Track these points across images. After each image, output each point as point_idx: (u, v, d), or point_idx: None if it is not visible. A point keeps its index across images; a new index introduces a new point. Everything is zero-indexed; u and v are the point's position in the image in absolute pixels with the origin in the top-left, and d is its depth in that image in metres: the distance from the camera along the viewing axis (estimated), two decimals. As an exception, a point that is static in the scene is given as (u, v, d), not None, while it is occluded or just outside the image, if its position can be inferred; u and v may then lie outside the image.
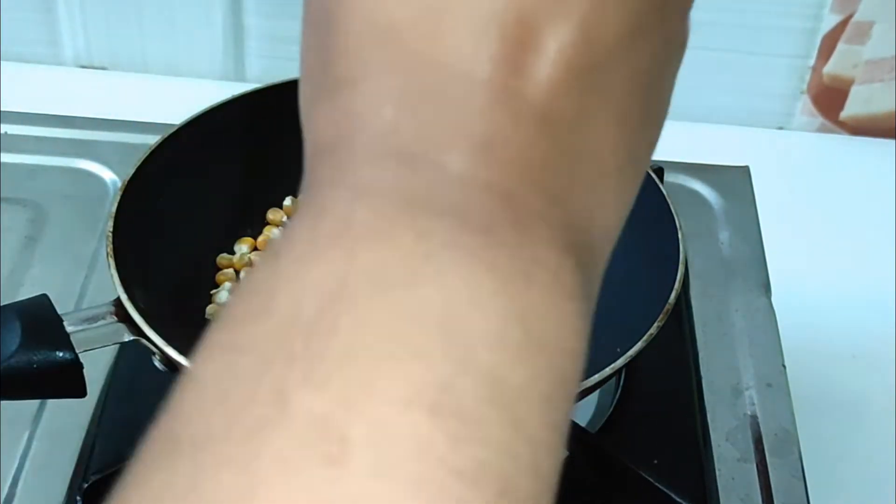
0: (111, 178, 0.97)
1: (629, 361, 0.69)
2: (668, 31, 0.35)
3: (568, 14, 0.31)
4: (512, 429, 0.27)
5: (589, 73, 0.32)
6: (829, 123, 1.12)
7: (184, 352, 0.65)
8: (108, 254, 0.71)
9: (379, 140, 0.31)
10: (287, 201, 0.85)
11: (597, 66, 0.32)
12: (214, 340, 0.29)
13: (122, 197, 0.75)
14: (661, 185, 0.81)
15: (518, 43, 0.31)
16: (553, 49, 0.31)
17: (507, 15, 0.31)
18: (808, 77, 1.09)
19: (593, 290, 0.33)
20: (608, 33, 0.32)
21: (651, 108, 0.35)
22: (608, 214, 0.34)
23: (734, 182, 1.01)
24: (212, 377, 0.28)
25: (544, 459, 0.28)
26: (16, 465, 0.76)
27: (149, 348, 0.67)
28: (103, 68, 1.13)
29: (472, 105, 0.31)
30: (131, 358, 0.80)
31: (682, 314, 0.88)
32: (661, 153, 1.03)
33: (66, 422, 0.78)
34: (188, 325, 0.75)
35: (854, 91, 1.09)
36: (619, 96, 0.33)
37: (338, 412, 0.25)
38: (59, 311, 0.67)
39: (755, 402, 0.83)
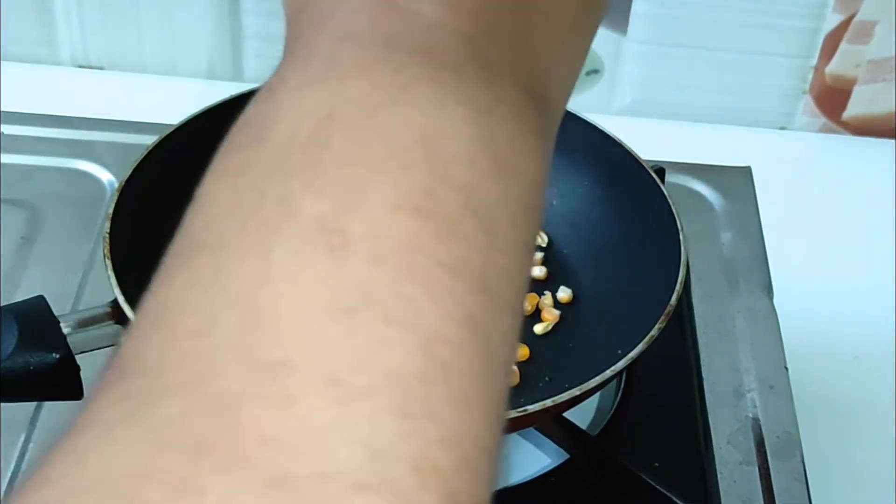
0: (108, 178, 0.97)
1: (630, 363, 0.69)
2: None
3: None
4: (487, 236, 0.31)
5: None
6: (831, 124, 1.12)
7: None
8: (104, 255, 0.71)
9: None
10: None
11: None
12: (219, 165, 0.32)
13: (120, 198, 0.75)
14: (662, 186, 0.81)
15: None
16: None
17: None
18: (810, 77, 1.09)
19: (550, 141, 0.36)
20: None
21: None
22: (560, 70, 0.37)
23: (736, 183, 1.01)
24: (220, 193, 0.31)
25: (516, 270, 0.31)
26: (12, 468, 0.76)
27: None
28: (100, 68, 1.13)
29: None
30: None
31: (683, 316, 0.88)
32: (662, 153, 1.03)
33: (63, 424, 0.78)
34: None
35: (856, 91, 1.09)
36: None
37: (337, 212, 0.29)
38: (56, 313, 0.67)
39: (757, 404, 0.83)
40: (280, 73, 0.33)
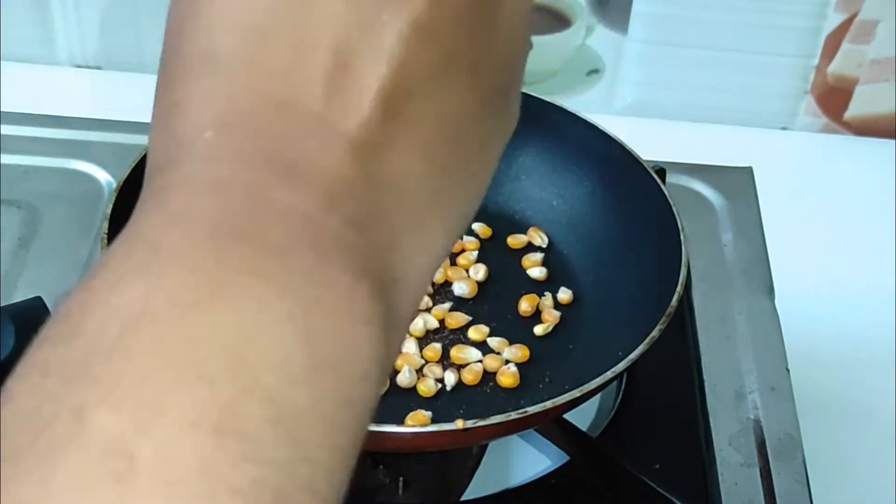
0: (106, 178, 0.96)
1: (631, 365, 0.68)
2: (487, 85, 0.38)
3: (381, 47, 0.34)
4: (290, 449, 0.29)
5: (397, 103, 0.34)
6: (833, 124, 1.12)
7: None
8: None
9: (198, 165, 0.33)
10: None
11: (405, 98, 0.34)
12: (30, 361, 0.30)
13: (118, 198, 0.75)
14: (663, 187, 0.81)
15: (331, 72, 0.33)
16: (364, 78, 0.34)
17: (322, 45, 0.33)
18: (811, 77, 1.09)
19: (399, 322, 0.35)
20: (419, 69, 0.34)
21: (464, 158, 0.37)
22: (414, 251, 0.36)
23: (737, 183, 1.01)
24: (21, 397, 0.29)
25: (323, 479, 0.30)
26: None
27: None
28: (98, 68, 1.12)
29: (281, 129, 0.33)
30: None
31: (684, 317, 0.88)
32: (663, 154, 1.03)
33: None
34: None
35: (858, 91, 1.09)
36: (427, 132, 0.35)
37: (129, 432, 0.27)
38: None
39: (758, 405, 0.83)
40: (107, 254, 0.32)
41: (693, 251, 0.80)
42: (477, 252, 0.87)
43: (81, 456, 0.27)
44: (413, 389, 0.77)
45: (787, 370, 0.85)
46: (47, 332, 0.31)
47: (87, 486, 0.27)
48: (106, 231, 0.72)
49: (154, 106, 0.36)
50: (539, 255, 0.87)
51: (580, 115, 0.86)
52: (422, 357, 0.78)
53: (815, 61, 1.08)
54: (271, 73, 0.33)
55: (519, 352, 0.79)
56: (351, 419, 0.31)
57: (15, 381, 0.30)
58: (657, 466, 0.75)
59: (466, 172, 0.38)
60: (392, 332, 0.34)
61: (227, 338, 0.29)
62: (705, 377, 0.84)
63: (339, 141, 0.33)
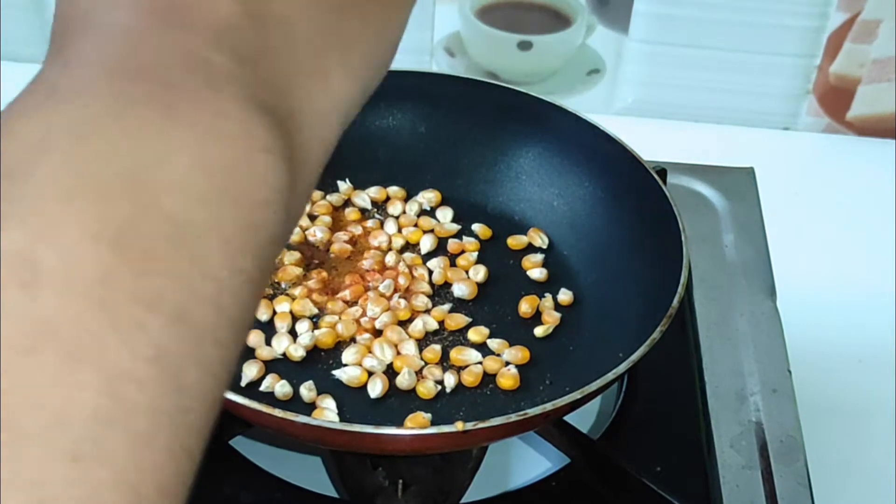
0: (104, 179, 0.95)
1: (631, 366, 0.68)
2: None
3: None
4: (189, 264, 0.30)
5: None
6: (835, 124, 1.12)
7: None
8: None
9: (95, 13, 0.35)
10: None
11: None
12: None
13: None
14: (664, 187, 0.81)
15: None
16: None
17: None
18: (813, 77, 1.09)
19: (305, 162, 0.36)
20: None
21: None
22: (311, 90, 0.37)
23: (739, 184, 1.01)
24: None
25: (227, 297, 0.31)
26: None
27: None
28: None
29: None
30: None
31: (685, 318, 0.87)
32: (664, 154, 1.03)
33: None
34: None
35: (861, 91, 1.09)
36: None
37: (32, 244, 0.29)
38: None
39: (760, 407, 0.82)
40: (12, 100, 0.33)
41: (694, 252, 0.80)
42: (477, 253, 0.87)
43: None
44: (413, 391, 0.76)
45: (789, 372, 0.85)
46: None
47: None
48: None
49: None
50: (539, 256, 0.86)
51: (581, 116, 0.86)
52: (421, 359, 0.78)
53: (817, 61, 1.08)
54: None
55: (519, 353, 0.79)
56: (254, 244, 0.33)
57: None
58: (658, 469, 0.75)
59: (364, 12, 0.39)
60: (297, 168, 0.35)
61: (125, 162, 0.31)
62: (706, 379, 0.84)
63: None
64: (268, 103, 0.34)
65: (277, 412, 0.64)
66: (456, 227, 0.89)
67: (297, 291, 0.82)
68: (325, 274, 0.84)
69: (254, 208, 0.33)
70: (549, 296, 0.84)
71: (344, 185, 0.92)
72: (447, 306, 0.83)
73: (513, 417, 0.65)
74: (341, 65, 0.38)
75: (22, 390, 0.27)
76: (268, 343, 0.79)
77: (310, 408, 0.74)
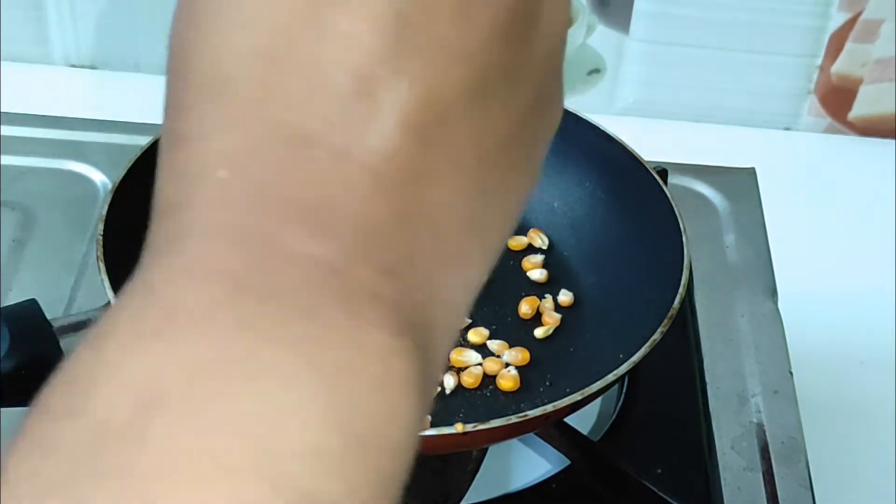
0: (101, 179, 0.96)
1: (632, 368, 0.68)
2: (523, 102, 0.34)
3: (406, 68, 0.30)
4: None
5: (428, 130, 0.31)
6: (836, 124, 1.11)
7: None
8: (98, 257, 0.70)
9: (212, 209, 0.30)
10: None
11: (437, 124, 0.31)
12: (29, 434, 0.27)
13: (113, 199, 0.74)
14: (664, 188, 0.81)
15: (351, 99, 0.30)
16: (389, 105, 0.30)
17: (341, 69, 0.30)
18: (815, 77, 1.09)
19: (434, 374, 0.32)
20: (449, 90, 0.31)
21: (503, 177, 0.34)
22: (451, 290, 0.33)
23: (740, 184, 1.00)
24: (23, 481, 0.27)
25: None
26: (3, 474, 0.75)
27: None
28: (93, 67, 1.12)
29: (301, 168, 0.30)
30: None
31: (686, 319, 0.87)
32: (664, 154, 1.03)
33: None
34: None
35: (862, 91, 1.09)
36: (462, 159, 0.32)
37: None
38: (49, 317, 0.67)
39: (761, 409, 0.82)
40: (117, 310, 0.29)
41: (695, 253, 0.80)
42: (476, 254, 0.86)
43: None
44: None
45: (791, 373, 0.84)
46: (49, 399, 0.28)
47: None
48: (101, 233, 0.72)
49: (163, 136, 0.33)
50: (539, 257, 0.86)
51: (581, 116, 0.85)
52: (420, 360, 0.78)
53: (819, 61, 1.07)
54: (285, 101, 0.30)
55: (519, 355, 0.79)
56: (387, 497, 0.29)
57: (13, 459, 0.27)
58: (659, 471, 0.75)
59: (506, 192, 0.35)
60: (428, 387, 0.31)
61: (251, 424, 0.26)
62: (707, 380, 0.84)
63: (364, 177, 0.30)
64: (410, 320, 0.30)
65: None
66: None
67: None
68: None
69: (390, 460, 0.29)
70: (549, 297, 0.83)
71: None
72: (447, 307, 0.82)
73: (513, 419, 0.65)
74: (481, 253, 0.34)
75: None
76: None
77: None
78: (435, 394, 0.32)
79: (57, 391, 0.28)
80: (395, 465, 0.29)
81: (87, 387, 0.27)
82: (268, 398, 0.27)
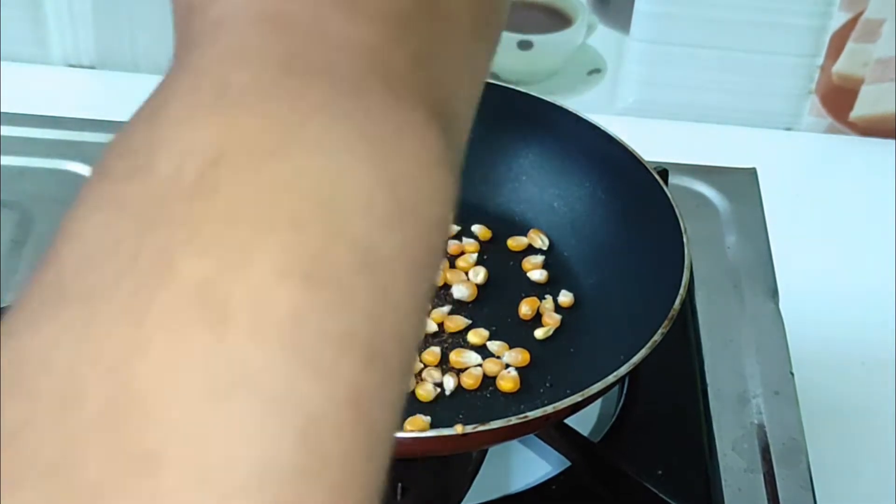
0: (100, 180, 0.95)
1: (633, 369, 0.68)
2: None
3: None
4: (379, 297, 0.28)
5: None
6: (837, 124, 1.11)
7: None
8: None
9: None
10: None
11: None
12: (95, 194, 0.29)
13: None
14: (665, 188, 0.81)
15: None
16: None
17: None
18: (816, 76, 1.08)
19: (456, 160, 0.34)
20: None
21: None
22: (465, 83, 0.35)
23: (741, 184, 1.00)
24: (95, 232, 0.28)
25: (408, 328, 0.30)
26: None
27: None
28: (92, 67, 1.12)
29: None
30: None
31: (687, 320, 0.87)
32: (665, 154, 1.03)
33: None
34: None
35: (864, 91, 1.09)
36: None
37: (219, 277, 0.27)
38: None
39: (762, 410, 0.82)
40: (167, 89, 0.31)
41: (696, 253, 0.80)
42: (476, 254, 0.86)
43: (172, 299, 0.27)
44: (412, 394, 0.76)
45: (792, 374, 0.84)
46: (109, 166, 0.30)
47: (180, 329, 0.26)
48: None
49: None
50: (539, 258, 0.86)
51: (581, 116, 0.85)
52: (420, 361, 0.78)
53: (820, 61, 1.07)
54: None
55: (519, 356, 0.78)
56: (431, 265, 0.31)
57: (80, 216, 0.29)
58: (660, 472, 0.75)
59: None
60: (455, 173, 0.33)
61: (312, 181, 0.28)
62: (708, 381, 0.84)
63: None
64: (437, 107, 0.32)
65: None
66: (455, 229, 0.88)
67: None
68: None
69: (432, 228, 0.31)
70: (549, 297, 0.83)
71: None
72: (446, 308, 0.82)
73: (513, 420, 0.65)
74: (486, 50, 0.37)
75: (219, 442, 0.25)
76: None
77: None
78: (455, 188, 0.33)
79: (117, 157, 0.30)
80: (437, 235, 0.31)
81: (148, 152, 0.29)
82: (325, 161, 0.29)
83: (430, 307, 0.31)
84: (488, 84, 0.99)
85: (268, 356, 0.26)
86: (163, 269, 0.27)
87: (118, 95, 1.07)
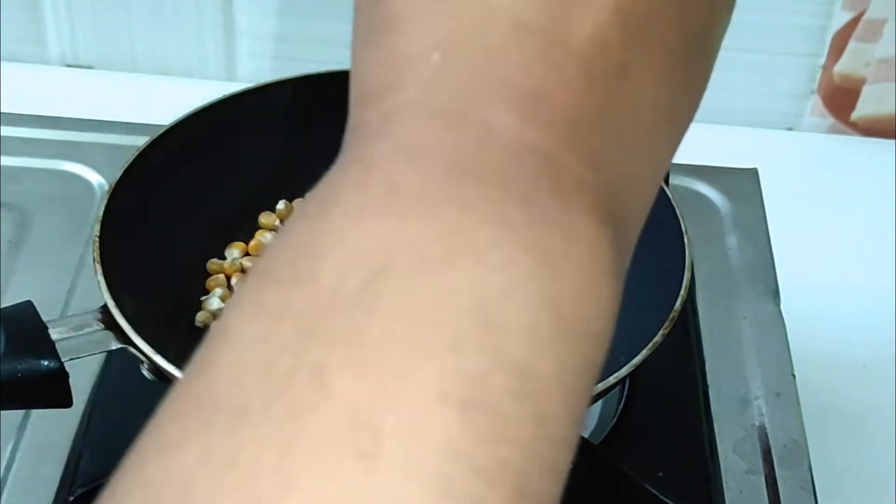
0: (98, 180, 0.95)
1: (633, 370, 0.68)
2: None
3: None
4: (535, 425, 0.27)
5: (636, 21, 0.31)
6: (839, 124, 1.11)
7: (173, 360, 0.64)
8: (94, 259, 0.70)
9: (426, 91, 0.31)
10: (280, 205, 0.84)
11: (645, 12, 0.32)
12: (255, 299, 0.29)
13: (110, 200, 0.74)
14: (666, 189, 0.81)
15: None
16: None
17: None
18: (818, 76, 1.08)
19: (625, 265, 0.33)
20: None
21: (695, 67, 0.35)
22: (644, 180, 0.34)
23: (742, 185, 1.00)
24: (251, 342, 0.28)
25: (561, 456, 0.29)
26: (0, 476, 0.75)
27: (137, 357, 0.66)
28: (90, 67, 1.11)
29: (516, 54, 0.31)
30: (118, 367, 0.79)
31: (688, 321, 0.87)
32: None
33: (52, 433, 0.77)
34: (177, 333, 0.74)
35: (866, 91, 1.08)
36: (665, 49, 0.33)
37: (373, 402, 0.26)
38: (44, 319, 0.66)
39: (763, 412, 0.82)
40: (335, 183, 0.30)
41: (697, 254, 0.80)
42: (476, 255, 0.86)
43: (324, 425, 0.26)
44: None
45: (793, 376, 0.84)
46: (273, 266, 0.29)
47: (329, 459, 0.26)
48: (97, 234, 0.71)
49: (355, 20, 0.34)
50: (540, 258, 0.86)
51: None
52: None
53: (822, 60, 1.07)
54: None
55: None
56: (588, 385, 0.30)
57: (236, 320, 0.29)
58: (660, 474, 0.75)
59: (697, 81, 0.36)
60: (622, 277, 0.32)
61: (474, 298, 0.28)
62: (709, 383, 0.83)
63: (577, 67, 0.31)
64: (610, 211, 0.31)
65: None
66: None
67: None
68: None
69: (593, 345, 0.30)
70: (549, 298, 0.83)
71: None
72: (446, 309, 0.82)
73: (512, 422, 0.65)
74: (670, 143, 0.35)
75: None
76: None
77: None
78: (621, 295, 0.33)
79: (281, 258, 0.29)
80: (597, 352, 0.30)
81: (313, 254, 0.29)
82: (488, 275, 0.28)
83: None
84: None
85: (416, 491, 0.25)
86: (317, 391, 0.26)
87: (117, 95, 1.08)
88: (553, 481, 0.28)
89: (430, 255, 0.28)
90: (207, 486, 0.26)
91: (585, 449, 0.76)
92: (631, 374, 0.68)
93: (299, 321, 0.27)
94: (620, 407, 0.80)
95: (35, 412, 0.78)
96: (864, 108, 1.09)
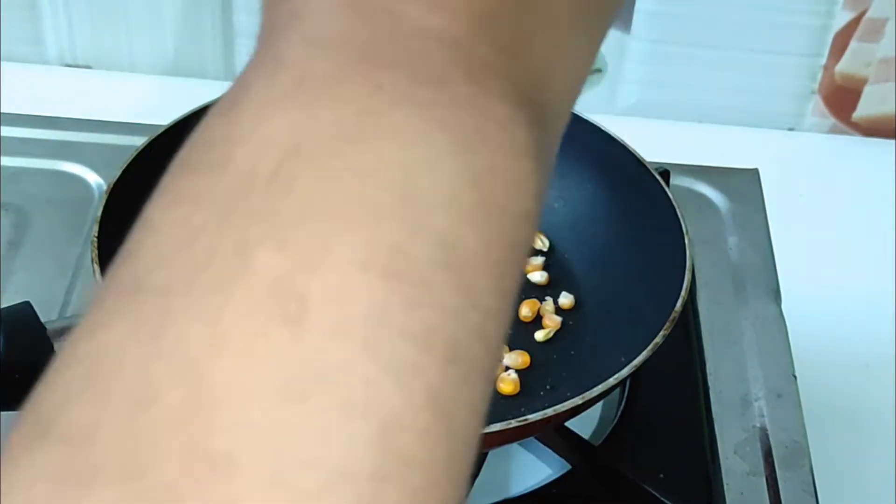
0: (96, 181, 0.95)
1: (634, 371, 0.68)
2: None
3: None
4: (462, 294, 0.28)
5: None
6: (841, 124, 1.11)
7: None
8: (93, 259, 0.70)
9: None
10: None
11: None
12: (173, 187, 0.29)
13: (108, 200, 0.74)
14: (667, 189, 0.81)
15: None
16: None
17: None
18: (819, 76, 1.08)
19: (549, 153, 0.33)
20: None
21: None
22: (563, 72, 0.34)
23: (743, 185, 1.00)
24: (172, 226, 0.28)
25: (492, 326, 0.29)
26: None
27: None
28: (88, 67, 1.11)
29: None
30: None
31: (688, 322, 0.87)
32: (666, 155, 1.02)
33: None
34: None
35: (867, 91, 1.08)
36: None
37: (296, 272, 0.26)
38: (43, 319, 0.66)
39: (764, 413, 0.82)
40: (246, 79, 0.31)
41: (698, 255, 0.80)
42: (476, 255, 0.86)
43: (249, 295, 0.26)
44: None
45: (794, 376, 0.84)
46: (187, 159, 0.30)
47: (257, 327, 0.26)
48: (96, 234, 0.72)
49: None
50: (540, 259, 0.86)
51: (582, 116, 0.85)
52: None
53: (823, 60, 1.07)
54: None
55: (519, 358, 0.78)
56: (516, 262, 0.30)
57: (158, 211, 0.29)
58: (661, 475, 0.75)
59: None
60: (547, 164, 0.32)
61: (392, 173, 0.28)
62: (710, 384, 0.83)
63: None
64: (527, 96, 0.32)
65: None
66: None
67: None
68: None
69: (516, 222, 0.30)
70: (549, 299, 0.83)
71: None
72: (446, 310, 0.82)
73: (513, 423, 0.65)
74: (587, 38, 0.35)
75: (296, 444, 0.25)
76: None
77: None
78: (548, 175, 0.33)
79: (196, 150, 0.30)
80: (521, 231, 0.30)
81: (225, 145, 0.29)
82: (405, 153, 0.28)
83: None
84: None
85: (345, 356, 0.26)
86: (240, 265, 0.27)
87: (115, 95, 1.08)
88: (485, 350, 0.28)
89: (343, 134, 0.28)
90: (138, 355, 0.26)
91: (586, 450, 0.76)
92: (631, 376, 0.68)
93: (217, 204, 0.28)
94: (621, 408, 0.80)
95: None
96: (866, 108, 1.09)
